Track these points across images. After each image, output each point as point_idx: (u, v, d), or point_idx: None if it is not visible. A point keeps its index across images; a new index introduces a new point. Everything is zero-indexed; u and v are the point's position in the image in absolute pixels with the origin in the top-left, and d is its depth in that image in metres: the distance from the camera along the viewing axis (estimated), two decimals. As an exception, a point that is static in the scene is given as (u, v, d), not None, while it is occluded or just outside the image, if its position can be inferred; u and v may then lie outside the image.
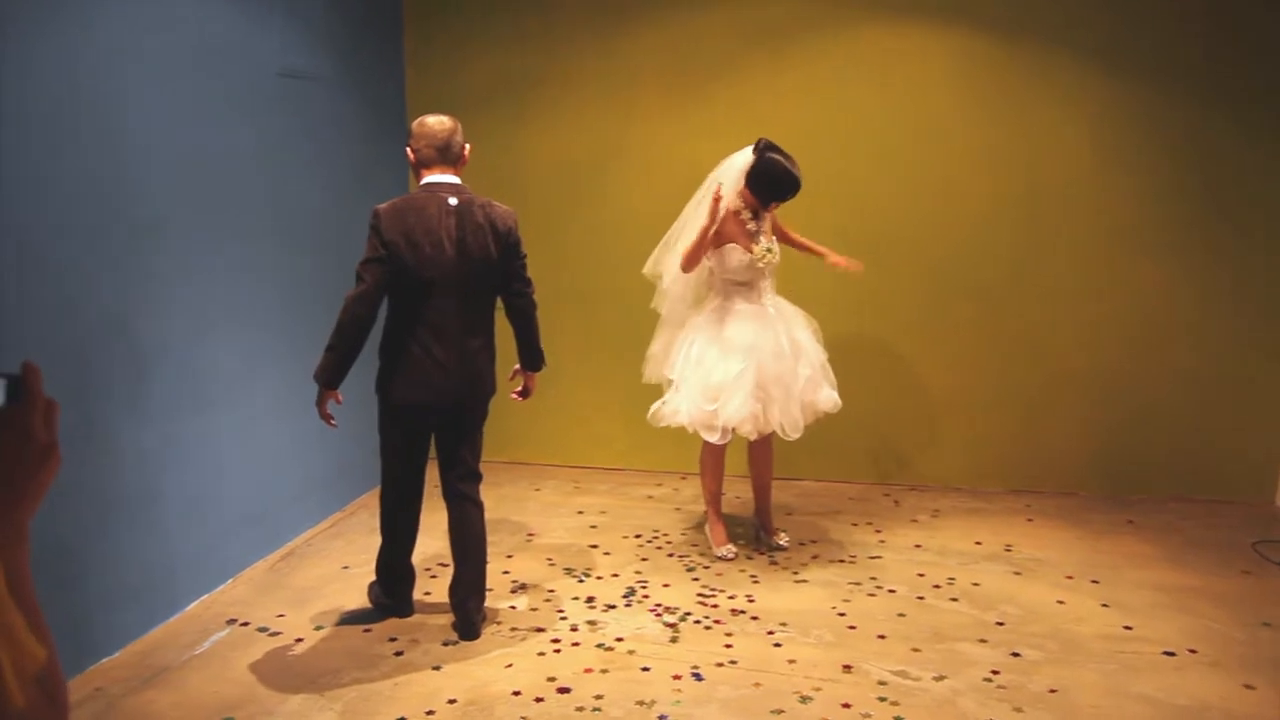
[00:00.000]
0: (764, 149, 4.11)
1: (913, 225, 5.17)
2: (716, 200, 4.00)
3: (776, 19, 5.15)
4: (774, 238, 4.26)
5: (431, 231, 3.30)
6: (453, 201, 3.36)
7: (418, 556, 3.83)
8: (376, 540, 3.77)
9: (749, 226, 4.18)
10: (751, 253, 4.13)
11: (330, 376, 3.36)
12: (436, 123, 3.42)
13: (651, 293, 4.51)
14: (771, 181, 4.10)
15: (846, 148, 5.12)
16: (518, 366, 3.75)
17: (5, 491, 0.94)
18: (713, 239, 4.11)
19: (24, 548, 0.95)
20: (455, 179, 3.43)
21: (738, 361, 4.08)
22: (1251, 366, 5.01)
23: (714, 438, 4.18)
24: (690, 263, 4.11)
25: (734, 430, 4.14)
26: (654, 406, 4.30)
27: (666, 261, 4.32)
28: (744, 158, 4.17)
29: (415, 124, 3.45)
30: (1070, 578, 4.12)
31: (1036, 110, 5.00)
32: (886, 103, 5.11)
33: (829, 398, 4.26)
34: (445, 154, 3.41)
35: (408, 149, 3.46)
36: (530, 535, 4.63)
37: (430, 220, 3.31)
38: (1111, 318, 5.07)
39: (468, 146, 3.50)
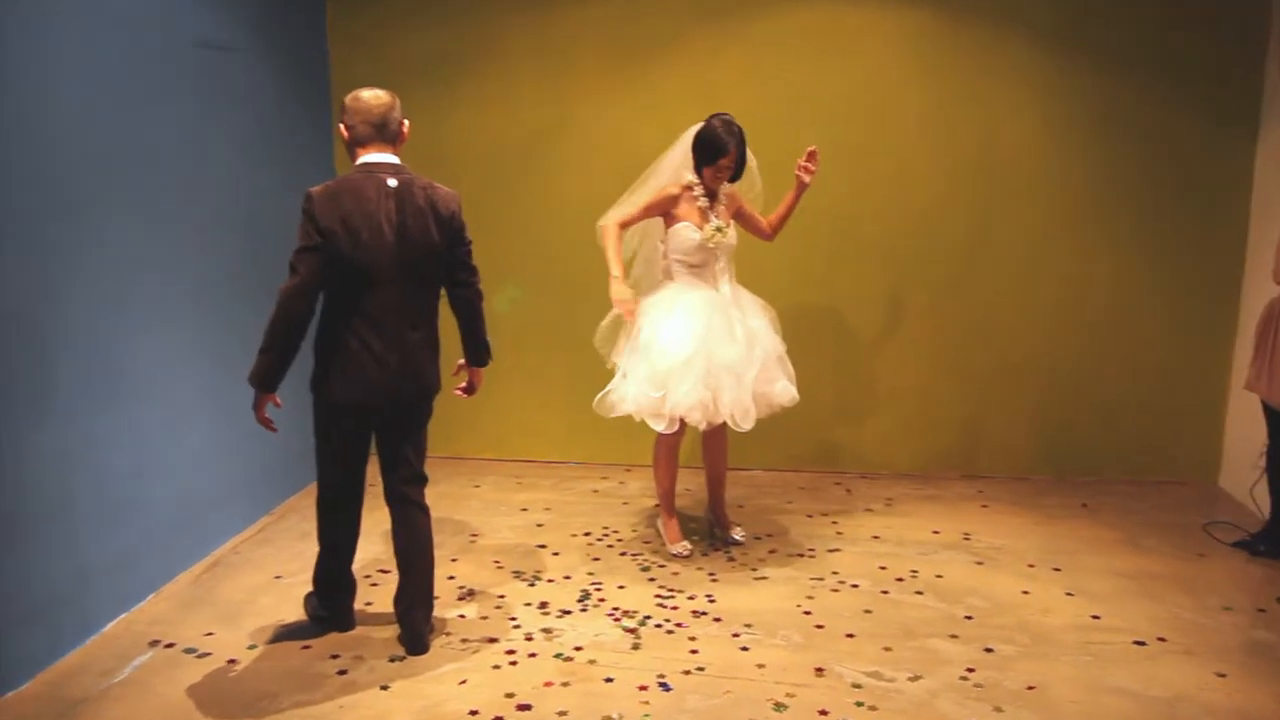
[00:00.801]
0: (713, 116, 3.99)
1: (864, 208, 5.05)
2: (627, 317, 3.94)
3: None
4: (730, 221, 4.08)
5: (370, 215, 3.04)
6: (392, 183, 3.10)
7: (358, 563, 3.57)
8: (309, 546, 3.51)
9: (700, 204, 4.00)
10: (701, 231, 3.95)
11: (267, 380, 3.07)
12: (372, 97, 3.15)
13: (591, 277, 4.30)
14: (702, 143, 3.96)
15: (795, 127, 4.94)
16: (462, 361, 3.51)
17: None
18: (666, 219, 3.95)
19: None
20: (394, 158, 3.17)
21: (687, 346, 3.88)
22: (1196, 351, 5.01)
23: (661, 426, 3.96)
24: (620, 223, 3.99)
25: (682, 419, 3.95)
26: (600, 395, 4.08)
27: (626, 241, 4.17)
28: (688, 133, 4.05)
29: (349, 98, 3.17)
30: (1032, 566, 4.05)
31: (989, 92, 4.92)
32: (836, 82, 4.98)
33: (785, 390, 4.08)
34: (382, 131, 3.15)
35: (340, 125, 3.19)
36: (474, 536, 4.40)
37: (368, 204, 3.05)
38: (1061, 303, 5.03)
39: (406, 123, 3.24)
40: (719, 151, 3.92)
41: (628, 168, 4.63)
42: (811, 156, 4.09)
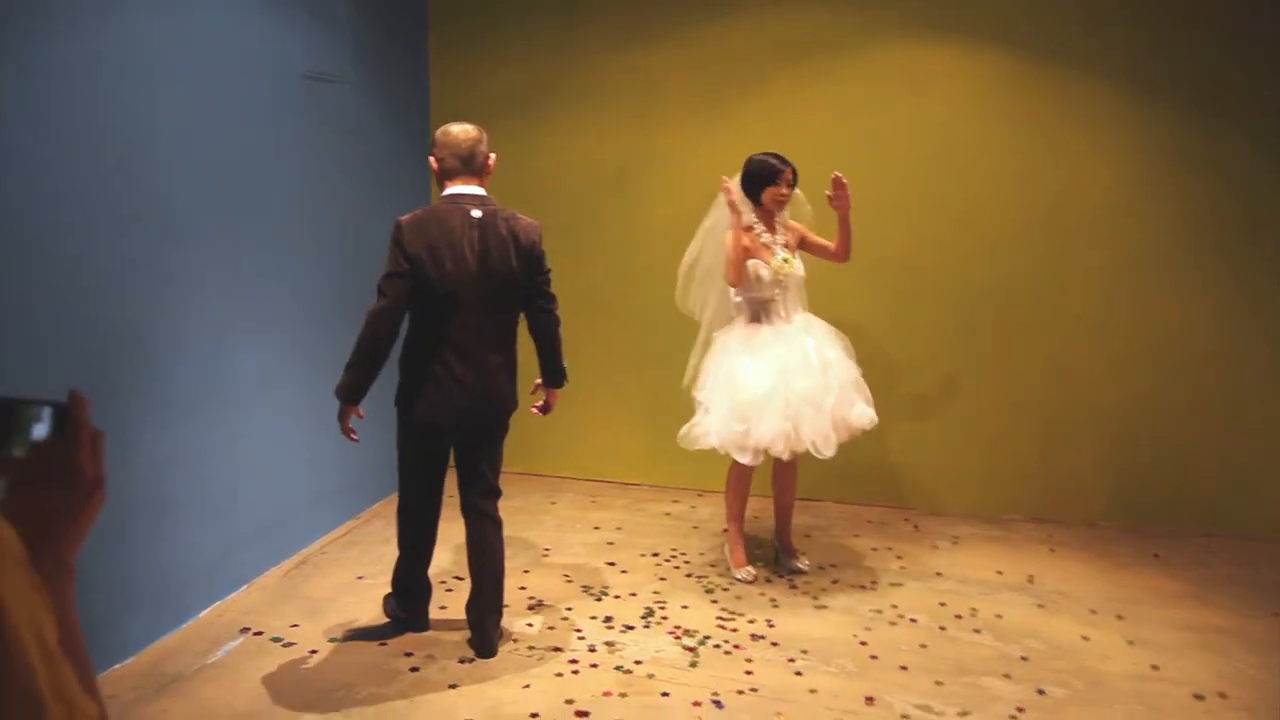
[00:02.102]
0: (750, 157, 4.21)
1: (939, 248, 5.11)
2: (729, 195, 4.08)
3: (804, 34, 5.12)
4: (795, 251, 4.21)
5: (454, 244, 3.25)
6: (476, 213, 3.31)
7: (434, 569, 3.78)
8: (391, 549, 3.72)
9: (763, 240, 4.14)
10: (770, 264, 4.08)
11: (351, 393, 3.31)
12: (460, 131, 3.37)
13: (671, 305, 4.48)
14: (752, 172, 4.16)
15: (871, 167, 5.05)
16: (539, 381, 3.70)
17: (51, 527, 0.90)
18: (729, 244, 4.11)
19: (70, 585, 0.91)
20: (479, 190, 3.38)
21: (767, 380, 4.02)
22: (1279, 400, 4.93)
23: (746, 458, 4.10)
24: (736, 273, 4.09)
25: (765, 450, 4.08)
26: (684, 429, 4.24)
27: (691, 295, 4.35)
28: (736, 178, 4.23)
29: (439, 132, 3.40)
30: (1094, 612, 4.04)
31: (1064, 135, 4.94)
32: (912, 123, 5.07)
33: (864, 413, 4.19)
34: (469, 164, 3.36)
35: (431, 158, 3.41)
36: (546, 550, 4.58)
37: (453, 233, 3.26)
38: (1136, 347, 5.00)
39: (492, 156, 3.45)
40: (774, 171, 4.11)
41: (707, 197, 4.80)
42: (838, 185, 4.12)
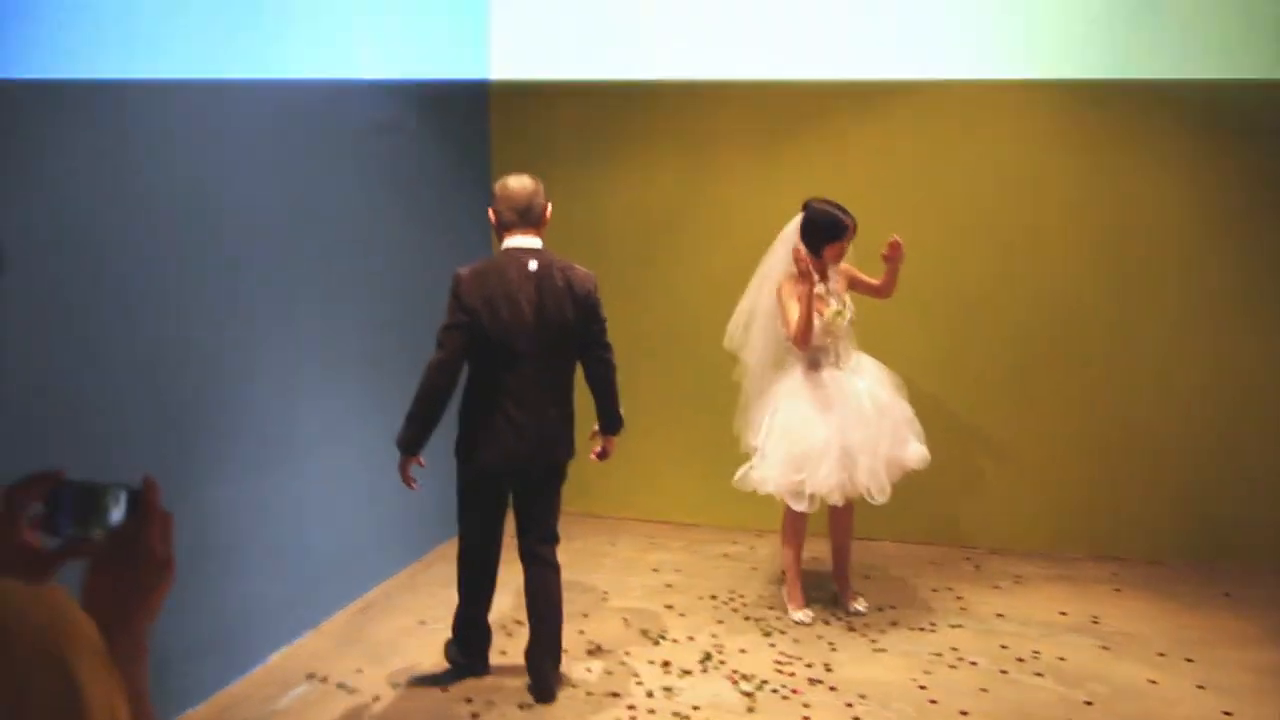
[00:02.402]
0: (807, 204, 4.19)
1: (999, 285, 5.09)
2: (805, 261, 3.99)
3: (863, 77, 5.13)
4: (846, 296, 4.23)
5: (511, 297, 3.34)
6: (533, 266, 3.39)
7: (494, 614, 3.84)
8: (453, 593, 3.78)
9: (817, 290, 4.13)
10: (823, 315, 4.10)
11: (411, 445, 3.40)
12: (518, 185, 3.46)
13: (726, 349, 4.51)
14: (816, 225, 4.13)
15: (924, 204, 5.07)
16: (596, 428, 3.76)
17: (124, 605, 0.96)
18: (788, 307, 4.10)
19: (144, 662, 0.97)
20: (536, 241, 3.46)
21: (823, 429, 4.05)
22: (1354, 434, 4.81)
23: (803, 506, 4.14)
24: (804, 339, 4.06)
25: (821, 498, 4.11)
26: (740, 472, 4.28)
27: (745, 339, 4.37)
28: (793, 224, 4.21)
29: (497, 186, 3.49)
30: (1162, 655, 3.97)
31: (1124, 169, 4.90)
32: (966, 160, 5.06)
33: (917, 452, 4.21)
34: (526, 216, 3.45)
35: (490, 211, 3.51)
36: (605, 594, 4.61)
37: (510, 285, 3.35)
38: (1203, 381, 4.91)
39: (549, 207, 3.53)
40: (840, 227, 4.11)
41: (761, 243, 4.83)
42: (895, 247, 4.15)
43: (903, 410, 4.24)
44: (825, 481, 4.02)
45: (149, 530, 0.99)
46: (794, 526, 4.32)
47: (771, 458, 4.14)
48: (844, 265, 4.29)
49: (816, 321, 4.06)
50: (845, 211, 4.14)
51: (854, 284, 4.32)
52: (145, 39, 3.17)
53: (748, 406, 4.40)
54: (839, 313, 4.13)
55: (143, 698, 0.93)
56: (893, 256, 4.16)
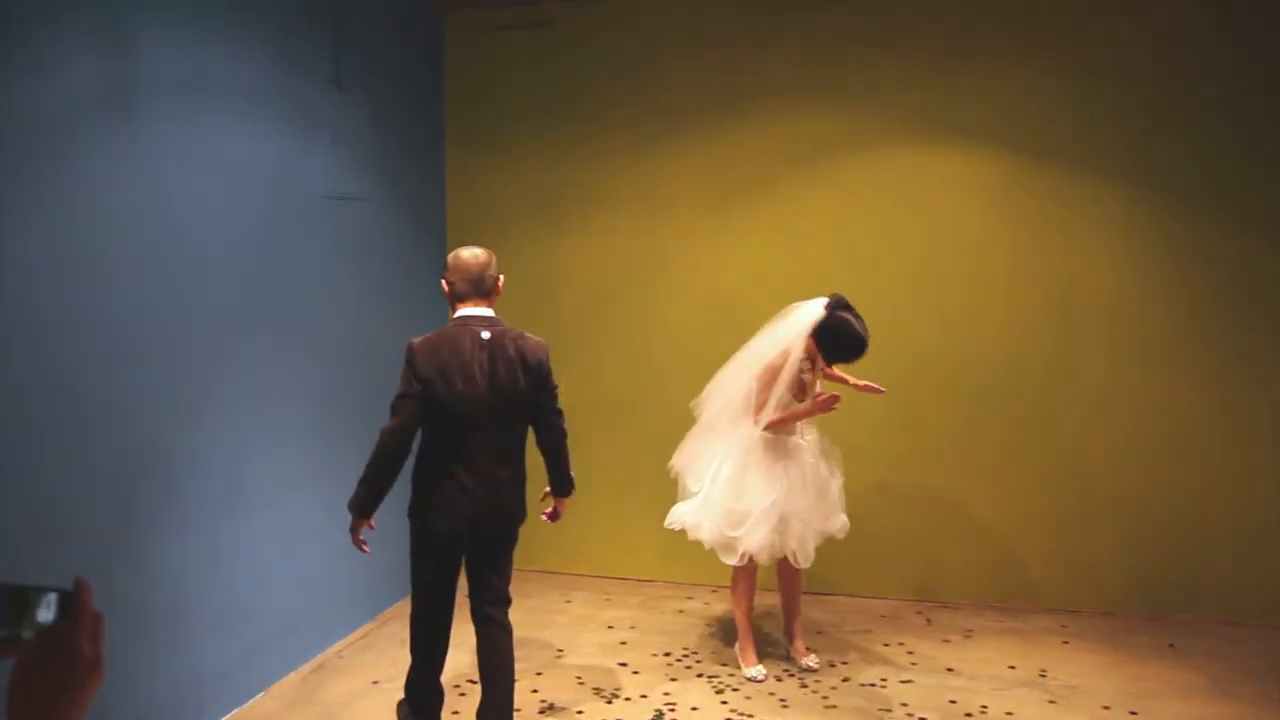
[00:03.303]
0: (835, 306, 4.09)
1: (948, 346, 5.20)
2: (828, 406, 4.11)
3: (811, 141, 5.28)
4: (819, 376, 4.36)
5: (465, 366, 3.39)
6: (485, 335, 3.45)
7: (447, 674, 3.82)
8: (406, 653, 3.77)
9: (804, 377, 4.22)
10: (803, 401, 4.20)
11: (363, 507, 3.43)
12: (471, 256, 3.52)
13: (681, 405, 4.56)
14: (840, 341, 4.09)
15: (879, 268, 5.19)
16: (548, 490, 3.80)
17: (51, 706, 0.98)
18: (775, 388, 4.17)
19: None
20: (488, 311, 3.52)
21: (769, 494, 4.14)
22: (1294, 487, 4.93)
23: (731, 560, 4.24)
24: (773, 425, 4.20)
25: (754, 557, 4.22)
26: (673, 511, 4.40)
27: (711, 405, 4.41)
28: (814, 311, 4.13)
29: (451, 257, 3.56)
30: (1107, 708, 4.03)
31: (1067, 229, 5.05)
32: (920, 225, 5.20)
33: (840, 523, 4.36)
34: (479, 287, 3.51)
35: (443, 281, 3.57)
36: (560, 651, 4.62)
37: (464, 355, 3.40)
38: (1149, 436, 5.03)
39: (501, 278, 3.60)
40: (858, 352, 4.10)
41: (713, 304, 4.94)
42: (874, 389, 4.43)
43: (837, 483, 4.38)
44: (757, 543, 4.13)
45: (78, 631, 1.01)
46: (744, 581, 4.38)
47: (710, 508, 4.23)
48: None
49: (797, 406, 4.21)
50: (866, 336, 4.07)
51: (828, 372, 4.45)
52: (101, 96, 3.23)
53: (694, 444, 4.45)
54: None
55: None
56: (857, 388, 4.43)
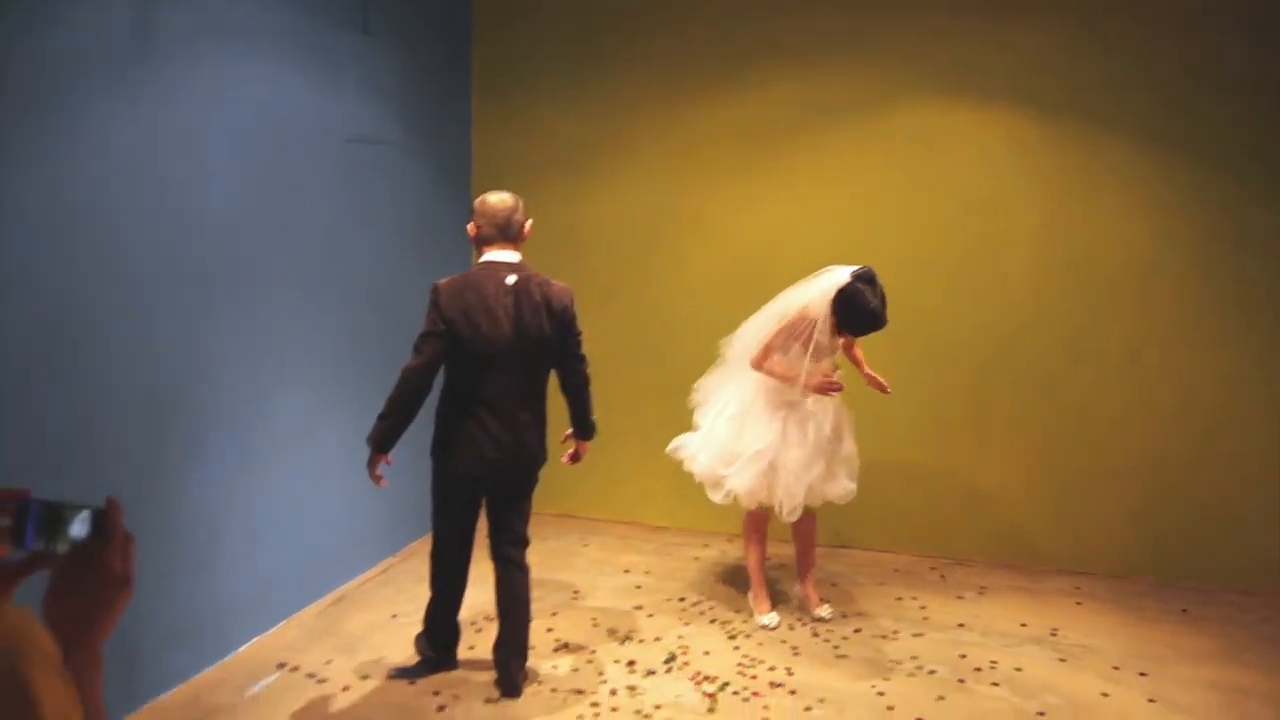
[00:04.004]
0: (859, 277, 4.02)
1: (966, 304, 5.17)
2: (830, 388, 4.10)
3: (832, 98, 5.22)
4: (839, 353, 4.36)
5: (489, 309, 3.41)
6: (510, 279, 3.46)
7: (465, 609, 3.91)
8: (425, 589, 3.86)
9: (820, 339, 4.11)
10: (818, 364, 4.15)
11: (382, 443, 3.48)
12: (498, 200, 3.53)
13: (702, 355, 4.58)
14: (852, 311, 4.01)
15: (899, 224, 5.16)
16: (569, 432, 3.84)
17: (84, 622, 1.02)
18: (786, 341, 4.16)
19: (99, 674, 1.03)
20: (515, 256, 3.53)
21: (763, 438, 4.17)
22: (1316, 458, 4.90)
23: (717, 498, 4.31)
24: (757, 367, 4.21)
25: (737, 497, 4.26)
26: (675, 440, 4.45)
27: (733, 348, 4.42)
28: (840, 277, 4.07)
29: (478, 201, 3.57)
30: (1117, 668, 4.06)
31: (1087, 192, 4.98)
32: (934, 182, 5.14)
33: (844, 489, 4.32)
34: (505, 231, 3.52)
35: (469, 225, 3.58)
36: (576, 593, 4.69)
37: (488, 298, 3.42)
38: (1169, 404, 5.00)
39: (528, 223, 3.60)
40: (866, 325, 4.05)
41: (733, 255, 4.92)
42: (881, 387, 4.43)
43: (846, 448, 4.36)
44: (742, 484, 4.18)
45: (110, 549, 1.04)
46: (753, 529, 4.43)
47: (709, 443, 4.29)
48: None
49: (807, 365, 4.12)
50: (884, 310, 4.00)
51: (848, 350, 4.45)
52: (128, 40, 3.24)
53: (712, 381, 4.49)
54: (836, 367, 4.29)
55: (97, 706, 1.00)
56: (868, 378, 4.44)
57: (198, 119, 3.55)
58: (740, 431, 4.23)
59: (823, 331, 4.11)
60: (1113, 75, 4.91)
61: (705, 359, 4.61)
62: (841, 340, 4.29)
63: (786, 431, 4.19)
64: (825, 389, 4.11)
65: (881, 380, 4.45)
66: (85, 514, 1.04)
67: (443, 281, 3.46)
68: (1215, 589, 4.96)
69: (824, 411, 4.29)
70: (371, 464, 3.53)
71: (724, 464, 4.23)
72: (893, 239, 5.14)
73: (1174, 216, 4.93)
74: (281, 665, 3.80)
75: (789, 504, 4.19)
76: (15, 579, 1.05)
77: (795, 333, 4.13)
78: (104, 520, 1.05)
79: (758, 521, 4.40)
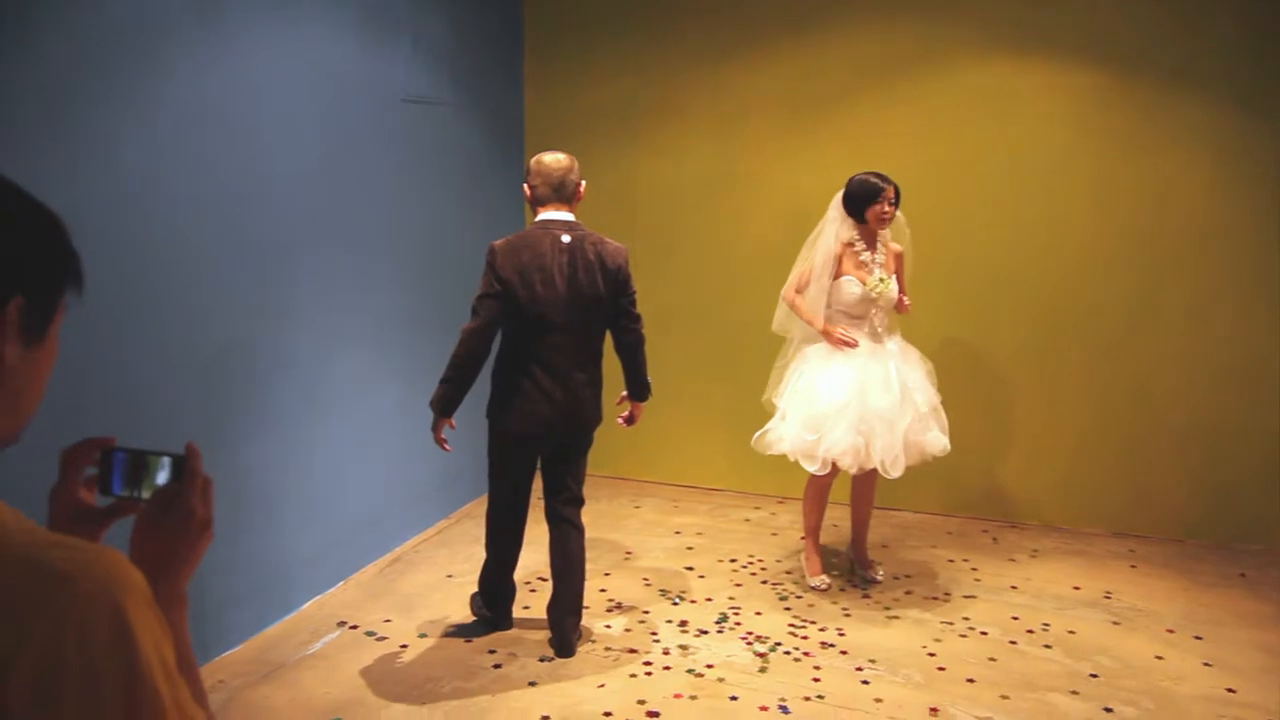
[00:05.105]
0: (852, 176, 4.25)
1: (1024, 264, 5.11)
2: (839, 341, 4.17)
3: (890, 54, 5.16)
4: (891, 273, 4.28)
5: (544, 269, 3.44)
6: (565, 239, 3.49)
7: (520, 570, 3.97)
8: (480, 550, 3.93)
9: (862, 258, 4.21)
10: (864, 285, 4.16)
11: (445, 406, 3.53)
12: (553, 160, 3.55)
13: (755, 317, 4.57)
14: (852, 194, 4.20)
15: (958, 183, 5.10)
16: (624, 394, 3.87)
17: (167, 560, 1.08)
18: (804, 278, 4.21)
19: (184, 609, 1.09)
20: (569, 216, 3.55)
21: (843, 391, 4.11)
22: (1380, 420, 4.80)
23: (814, 468, 4.19)
24: (790, 302, 4.27)
25: (835, 463, 4.16)
26: (758, 433, 4.36)
27: (791, 317, 4.40)
28: (838, 196, 4.28)
29: (533, 161, 3.59)
30: (1172, 631, 4.03)
31: (1157, 150, 4.89)
32: (1001, 141, 5.07)
33: (937, 440, 4.23)
34: (560, 192, 3.54)
35: (525, 185, 3.61)
36: (628, 554, 4.75)
37: (543, 257, 3.45)
38: (1229, 365, 4.92)
39: (583, 184, 3.62)
40: (875, 191, 4.15)
41: (790, 216, 4.91)
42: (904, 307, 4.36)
43: (930, 397, 4.27)
44: (839, 444, 4.06)
45: (191, 493, 1.10)
46: (816, 492, 4.41)
47: (790, 417, 4.22)
48: (897, 247, 4.34)
49: (857, 288, 4.16)
50: (882, 177, 4.18)
51: (895, 271, 4.35)
52: (182, 7, 3.28)
53: (784, 367, 4.44)
54: (882, 280, 4.19)
55: (184, 639, 1.05)
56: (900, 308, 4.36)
57: (253, 81, 3.59)
58: (819, 393, 4.15)
59: (862, 249, 4.20)
60: (1180, 32, 4.79)
61: (761, 322, 4.61)
62: (891, 262, 4.29)
63: (866, 379, 4.12)
64: (835, 342, 4.15)
65: (905, 299, 4.33)
66: (167, 460, 1.09)
67: (498, 243, 3.49)
68: (1274, 551, 4.90)
69: (903, 357, 4.26)
70: (436, 428, 3.59)
71: (811, 430, 4.13)
72: (956, 197, 5.09)
73: (1242, 175, 4.81)
74: (342, 623, 3.90)
75: (890, 458, 4.09)
76: (105, 523, 1.12)
77: (825, 262, 4.18)
78: (184, 466, 1.10)
79: (822, 485, 4.37)
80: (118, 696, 0.83)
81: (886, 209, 4.18)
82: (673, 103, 5.53)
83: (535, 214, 3.60)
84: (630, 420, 3.93)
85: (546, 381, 3.51)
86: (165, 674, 0.87)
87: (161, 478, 1.10)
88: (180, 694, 0.89)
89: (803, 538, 4.55)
